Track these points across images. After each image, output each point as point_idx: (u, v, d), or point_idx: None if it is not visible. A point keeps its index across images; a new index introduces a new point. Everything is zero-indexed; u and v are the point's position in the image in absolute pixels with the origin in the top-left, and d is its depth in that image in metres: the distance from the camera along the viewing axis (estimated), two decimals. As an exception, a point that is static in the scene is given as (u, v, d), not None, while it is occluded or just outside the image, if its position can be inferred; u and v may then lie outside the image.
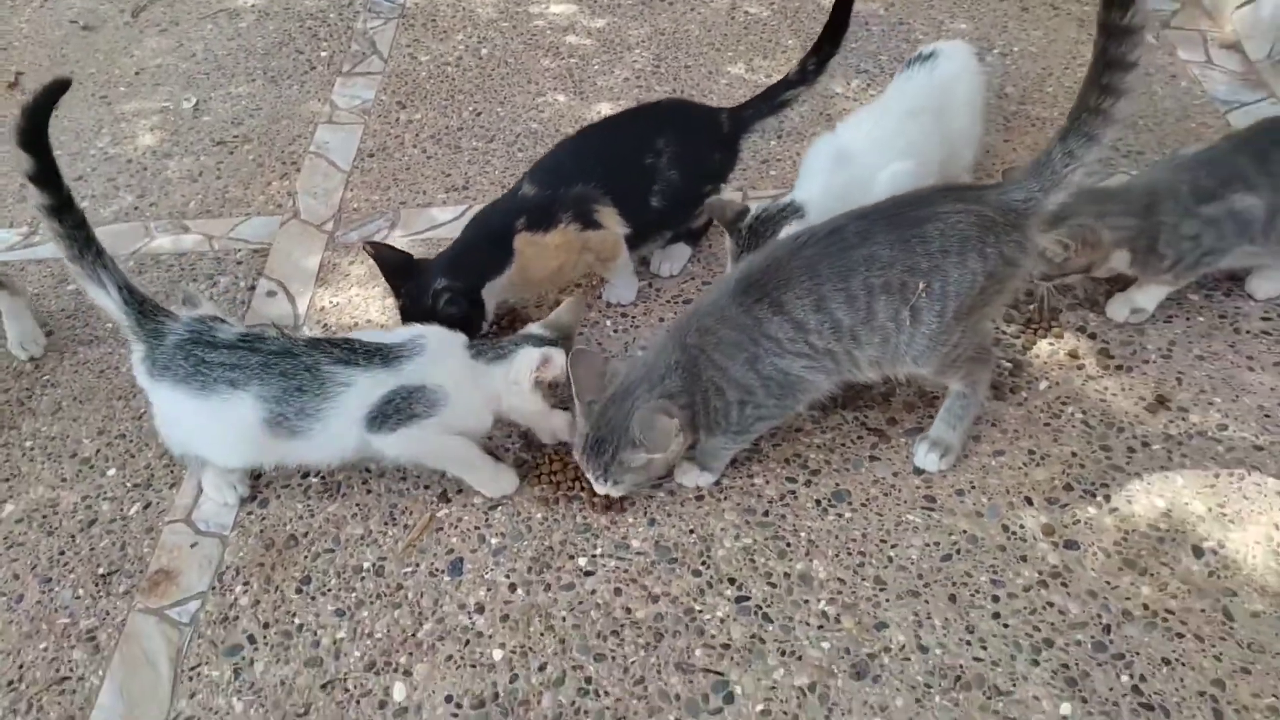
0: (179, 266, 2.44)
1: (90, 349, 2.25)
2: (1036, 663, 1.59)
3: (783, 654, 1.63)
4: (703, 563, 1.77)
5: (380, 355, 1.76)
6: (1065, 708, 1.54)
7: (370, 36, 3.28)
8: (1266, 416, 1.91)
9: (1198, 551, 1.72)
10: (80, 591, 1.78)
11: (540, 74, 3.06)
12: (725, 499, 1.87)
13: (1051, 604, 1.66)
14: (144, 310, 1.75)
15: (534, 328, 1.90)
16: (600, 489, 1.79)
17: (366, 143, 2.82)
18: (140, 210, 2.62)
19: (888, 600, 1.69)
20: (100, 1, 3.57)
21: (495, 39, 3.24)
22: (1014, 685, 1.57)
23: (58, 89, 1.68)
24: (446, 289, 1.96)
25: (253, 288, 2.38)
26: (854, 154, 2.15)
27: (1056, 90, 2.84)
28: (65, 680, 1.66)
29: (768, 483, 1.89)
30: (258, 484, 1.94)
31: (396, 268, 2.06)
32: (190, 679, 1.65)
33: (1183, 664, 1.58)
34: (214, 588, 1.78)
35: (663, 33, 3.22)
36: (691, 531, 1.82)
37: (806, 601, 1.70)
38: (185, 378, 1.70)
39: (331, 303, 2.33)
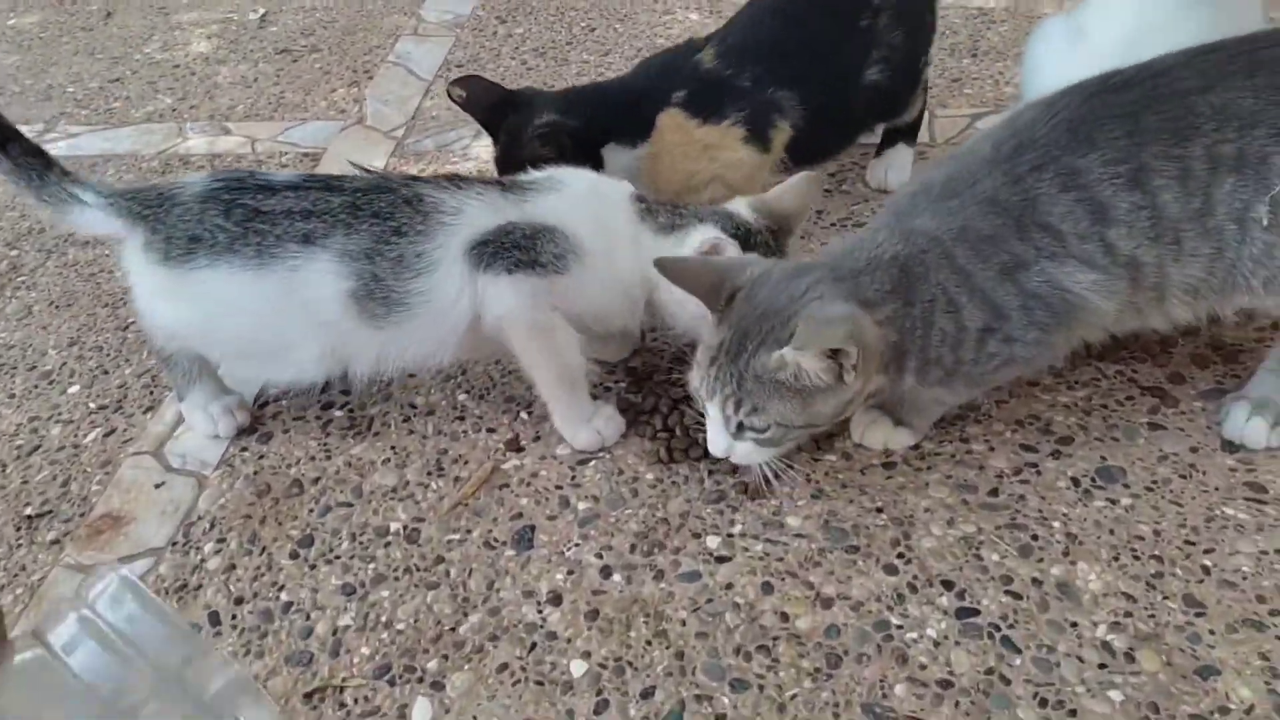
0: (209, 168, 1.95)
1: (83, 250, 1.76)
2: None
3: (1043, 703, 0.99)
4: (899, 555, 1.15)
5: (501, 186, 1.26)
6: None
7: (472, -41, 2.82)
8: None
9: None
10: (-8, 534, 1.25)
11: (670, -7, 2.54)
12: (929, 468, 1.25)
13: None
14: (132, 194, 1.23)
15: (740, 204, 1.31)
16: (719, 432, 1.15)
17: (456, 54, 2.33)
18: (178, 112, 2.16)
19: (1212, 632, 1.04)
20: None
21: (618, -39, 2.74)
22: None
23: None
24: (552, 125, 1.44)
25: (296, 192, 1.88)
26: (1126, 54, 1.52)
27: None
28: (-62, 657, 1.11)
29: (993, 449, 1.26)
30: (261, 413, 1.39)
31: (493, 104, 1.54)
32: (113, 669, 1.08)
33: None
34: (175, 543, 1.22)
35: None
36: (879, 510, 1.20)
37: (1074, 624, 1.06)
38: (230, 244, 1.16)
39: (391, 211, 1.80)
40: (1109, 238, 1.09)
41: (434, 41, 2.39)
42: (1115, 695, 0.99)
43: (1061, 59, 1.55)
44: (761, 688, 1.02)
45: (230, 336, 1.26)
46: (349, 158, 1.84)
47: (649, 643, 1.07)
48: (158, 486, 1.30)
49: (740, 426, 1.13)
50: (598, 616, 1.10)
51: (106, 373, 1.49)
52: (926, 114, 1.93)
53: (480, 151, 1.96)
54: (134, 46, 2.46)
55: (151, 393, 1.45)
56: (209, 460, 1.33)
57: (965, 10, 2.29)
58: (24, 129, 1.29)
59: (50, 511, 1.28)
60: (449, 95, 1.57)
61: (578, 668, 1.05)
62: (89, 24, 2.60)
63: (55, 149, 2.00)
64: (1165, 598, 1.08)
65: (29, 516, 1.27)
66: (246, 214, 1.18)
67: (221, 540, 1.22)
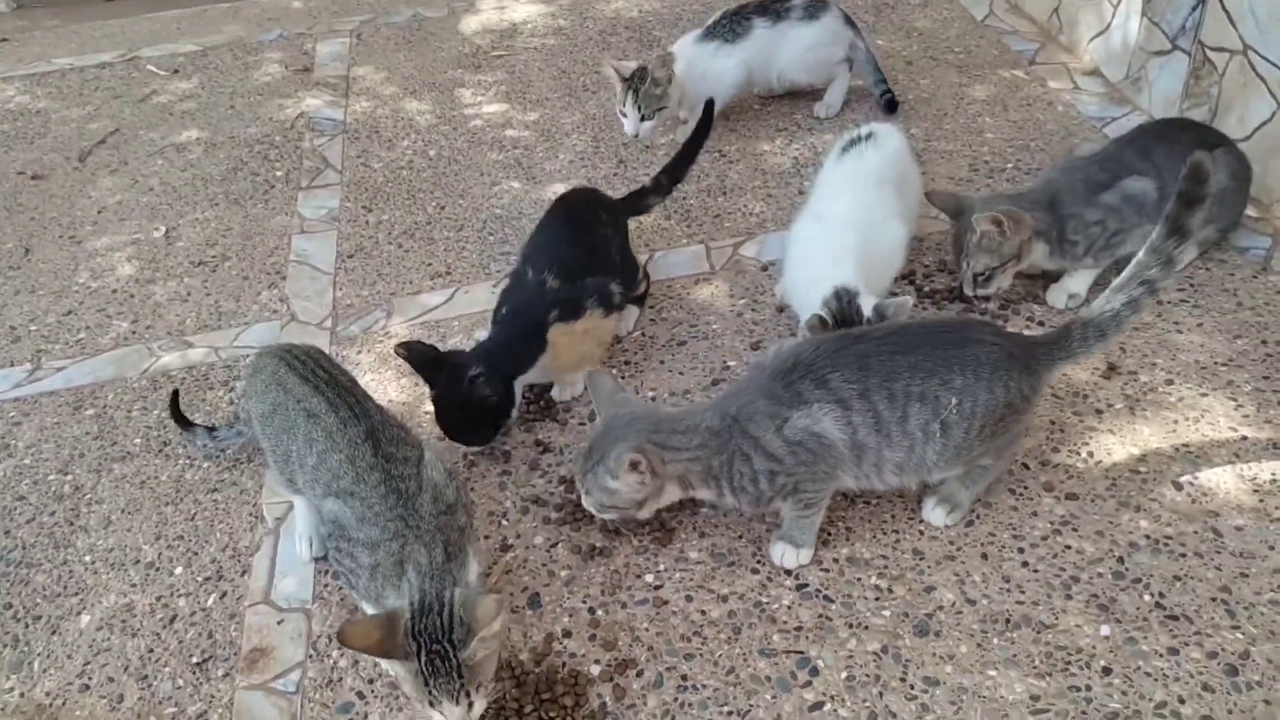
0: (191, 378, 2.53)
1: (124, 464, 2.32)
2: (1070, 596, 1.82)
3: (850, 626, 1.82)
4: (758, 561, 1.95)
5: None
6: (1104, 629, 1.76)
7: (320, 152, 3.45)
8: (1203, 368, 2.23)
9: (1177, 485, 2.00)
10: (180, 681, 1.85)
11: (490, 166, 3.28)
12: (765, 517, 2.06)
13: (1069, 546, 1.91)
14: None
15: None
16: (583, 499, 1.93)
17: (343, 245, 2.97)
18: (138, 334, 2.70)
19: (929, 567, 1.91)
20: (44, 152, 3.63)
21: (440, 141, 3.45)
22: (1056, 618, 1.79)
23: None
24: (482, 374, 2.10)
25: (270, 388, 2.49)
26: (866, 224, 2.35)
27: (954, 126, 3.21)
28: (187, 764, 1.72)
29: (797, 486, 2.10)
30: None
31: (428, 361, 2.16)
32: (312, 740, 1.74)
33: (1191, 578, 1.83)
34: (311, 656, 1.87)
35: (593, 118, 3.49)
36: (740, 536, 2.01)
37: (859, 579, 1.90)
38: None
39: (351, 390, 2.46)
40: (847, 415, 1.75)
41: (321, 237, 3.02)
42: (886, 613, 1.84)
43: (809, 234, 2.41)
44: (702, 655, 1.80)
45: None
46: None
47: (631, 645, 1.83)
48: (279, 623, 1.93)
49: (584, 491, 1.90)
50: (595, 639, 1.84)
51: (196, 554, 2.09)
52: (704, 247, 2.78)
53: (396, 329, 2.63)
54: (67, 279, 2.95)
55: (239, 560, 2.06)
56: (305, 598, 1.97)
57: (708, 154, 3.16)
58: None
59: (211, 657, 1.89)
60: (397, 352, 2.15)
61: (595, 670, 1.79)
62: (14, 262, 3.04)
63: (51, 384, 2.54)
64: (903, 553, 1.93)
65: (198, 663, 1.88)
66: None
67: (341, 648, 1.88)
